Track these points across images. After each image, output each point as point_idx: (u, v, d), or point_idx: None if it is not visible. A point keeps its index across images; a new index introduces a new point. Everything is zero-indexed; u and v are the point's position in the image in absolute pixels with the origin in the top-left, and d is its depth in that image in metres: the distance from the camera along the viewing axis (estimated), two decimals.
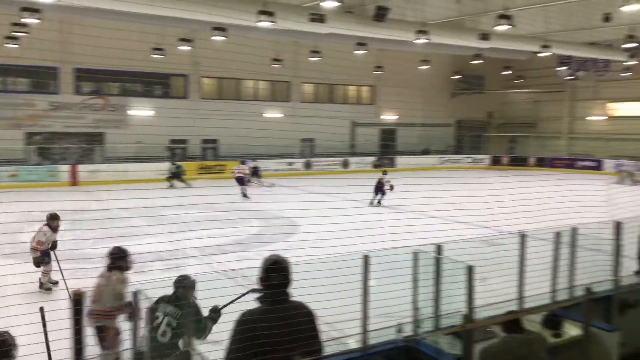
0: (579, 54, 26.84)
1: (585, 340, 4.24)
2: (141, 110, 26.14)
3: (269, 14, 14.79)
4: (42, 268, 8.51)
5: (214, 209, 13.20)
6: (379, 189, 16.93)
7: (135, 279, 5.21)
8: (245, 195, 18.44)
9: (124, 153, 23.52)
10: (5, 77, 24.19)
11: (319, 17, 16.15)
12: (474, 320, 3.58)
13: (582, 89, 32.96)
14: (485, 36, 19.93)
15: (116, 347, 5.05)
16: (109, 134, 25.65)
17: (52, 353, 3.53)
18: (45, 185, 21.38)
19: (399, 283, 4.97)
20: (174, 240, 8.12)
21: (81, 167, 23.51)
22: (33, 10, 15.65)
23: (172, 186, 21.94)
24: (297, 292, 3.93)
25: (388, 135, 33.93)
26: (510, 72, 31.84)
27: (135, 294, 2.97)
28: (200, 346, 4.09)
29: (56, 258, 8.28)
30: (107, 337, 5.06)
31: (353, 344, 4.25)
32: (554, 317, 4.99)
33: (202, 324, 4.54)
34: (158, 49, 23.33)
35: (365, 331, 4.21)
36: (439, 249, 4.67)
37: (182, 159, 25.10)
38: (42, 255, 8.41)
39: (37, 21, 16.23)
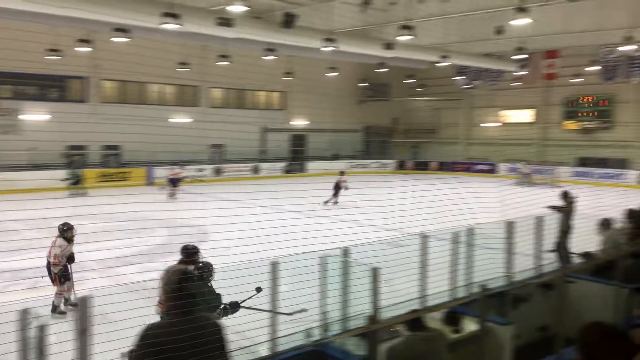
0: (475, 64, 28.62)
1: (481, 335, 4.49)
2: (35, 115, 24.39)
3: (174, 16, 14.39)
4: (57, 288, 7.58)
5: (115, 218, 12.59)
6: (337, 188, 18.31)
7: (26, 296, 4.85)
8: (171, 195, 20.13)
9: (15, 161, 21.85)
10: None
11: (226, 21, 15.96)
12: (378, 320, 3.68)
13: (478, 97, 35.18)
14: (389, 45, 20.69)
15: None
16: None
17: None
18: None
19: (307, 288, 5.01)
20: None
21: None
22: None
23: (72, 195, 20.72)
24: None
25: (298, 141, 34.20)
26: (413, 80, 33.37)
27: (23, 312, 2.74)
28: None
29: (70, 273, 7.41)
30: None
31: (263, 351, 4.22)
32: (453, 314, 5.25)
33: (214, 308, 4.77)
34: (54, 50, 21.91)
35: (274, 338, 4.20)
36: (345, 252, 4.76)
37: (81, 167, 23.70)
38: (64, 270, 7.59)
39: None
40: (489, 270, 5.97)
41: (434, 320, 5.11)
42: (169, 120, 27.75)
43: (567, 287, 5.61)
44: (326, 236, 8.07)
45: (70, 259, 7.72)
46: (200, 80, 29.39)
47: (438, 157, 35.61)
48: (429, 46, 23.64)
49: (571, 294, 6.05)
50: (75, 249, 7.76)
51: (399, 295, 4.85)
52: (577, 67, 27.65)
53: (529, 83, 30.46)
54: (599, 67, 27.01)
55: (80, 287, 7.53)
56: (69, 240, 7.79)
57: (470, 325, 5.14)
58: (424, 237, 5.57)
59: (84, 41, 21.40)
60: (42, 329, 2.69)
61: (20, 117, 24.28)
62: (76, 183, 21.43)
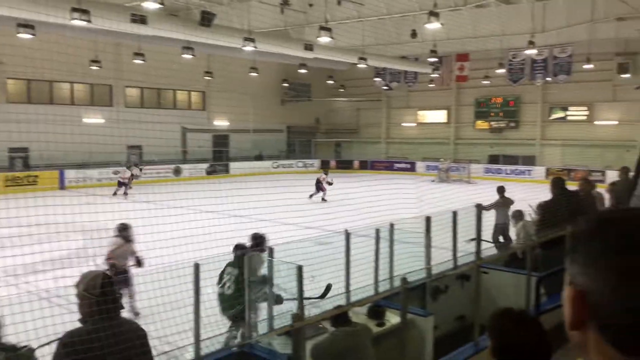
0: (392, 66, 29.49)
1: (403, 327, 4.62)
2: None
3: (83, 11, 13.68)
4: (126, 291, 6.95)
5: (23, 224, 11.75)
6: (319, 186, 19.50)
7: None
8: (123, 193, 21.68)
9: None
10: None
11: (140, 18, 15.40)
12: (303, 318, 3.69)
13: (396, 98, 36.29)
14: (309, 46, 20.85)
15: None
16: None
17: None
18: None
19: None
20: None
21: None
22: None
23: None
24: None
25: (221, 141, 33.64)
26: (333, 81, 33.84)
27: None
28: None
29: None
30: None
31: (186, 355, 4.10)
32: (377, 308, 5.37)
33: (263, 292, 5.06)
34: None
35: (198, 341, 4.10)
36: (270, 251, 4.74)
37: None
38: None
39: None
40: (410, 264, 6.16)
41: (358, 315, 5.19)
42: (83, 120, 26.36)
43: (482, 277, 5.89)
44: (248, 236, 7.98)
45: (139, 262, 7.36)
46: (114, 79, 28.16)
47: (360, 156, 36.34)
48: (348, 48, 24.06)
49: (486, 284, 6.37)
50: None
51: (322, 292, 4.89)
52: (486, 69, 29.21)
53: (443, 85, 31.81)
54: (505, 70, 28.68)
55: None
56: (127, 239, 7.61)
57: (393, 318, 5.28)
58: (347, 234, 5.66)
59: None
60: None
61: None
62: None
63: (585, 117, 29.42)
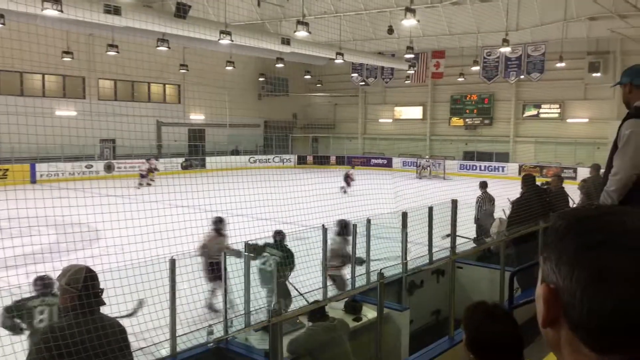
0: (369, 62, 29.58)
1: (380, 321, 4.65)
2: None
3: (55, 1, 13.36)
4: (211, 285, 6.80)
5: None
6: (347, 180, 20.99)
7: None
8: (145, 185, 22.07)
9: None
10: None
11: (114, 8, 15.12)
12: (280, 313, 3.68)
13: (373, 94, 36.43)
14: (286, 41, 20.76)
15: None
16: None
17: None
18: None
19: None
20: None
21: None
22: None
23: None
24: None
25: (197, 135, 33.29)
26: (311, 76, 33.77)
27: None
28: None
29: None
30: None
31: (162, 351, 4.06)
32: (354, 303, 5.40)
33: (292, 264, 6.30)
34: None
35: (174, 337, 4.06)
36: (247, 247, 4.72)
37: None
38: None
39: None
40: (386, 258, 6.21)
41: (335, 310, 5.21)
42: (56, 113, 25.80)
43: (457, 272, 5.97)
44: (226, 230, 7.94)
45: (238, 253, 7.21)
46: (87, 70, 27.63)
47: (337, 151, 36.41)
48: (325, 43, 24.05)
49: (461, 279, 6.45)
50: None
51: (303, 287, 4.89)
52: (461, 67, 29.53)
53: (419, 81, 32.04)
54: (480, 68, 29.03)
55: None
56: (221, 233, 7.79)
57: (369, 313, 5.31)
58: (325, 229, 5.67)
59: None
60: None
61: None
62: None
63: (557, 115, 30.00)
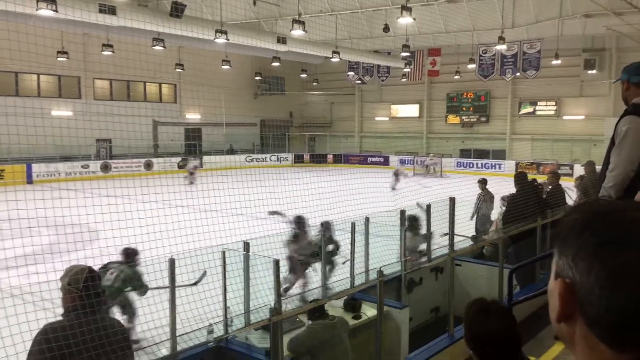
0: (365, 60, 29.58)
1: (379, 319, 4.67)
2: None
3: (50, 1, 13.32)
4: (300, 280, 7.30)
5: None
6: (397, 177, 21.58)
7: None
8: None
9: None
10: None
11: (109, 8, 15.08)
12: (281, 312, 3.69)
13: (369, 92, 36.44)
14: (282, 39, 20.75)
15: None
16: None
17: None
18: None
19: (209, 283, 4.90)
20: None
21: None
22: None
23: None
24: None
25: (193, 135, 33.24)
26: (307, 75, 33.75)
27: None
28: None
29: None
30: None
31: (162, 350, 4.06)
32: (353, 301, 5.41)
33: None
34: None
35: (174, 336, 4.06)
36: (246, 246, 4.72)
37: None
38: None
39: None
40: (385, 256, 6.22)
41: (335, 308, 5.22)
42: (52, 113, 25.72)
43: (456, 269, 5.99)
44: (224, 230, 7.95)
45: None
46: (82, 70, 27.54)
47: (334, 150, 36.41)
48: (321, 41, 24.06)
49: (459, 276, 6.47)
50: None
51: (302, 285, 4.90)
52: (457, 64, 29.55)
53: (415, 79, 32.06)
54: (476, 65, 29.07)
55: None
56: (304, 231, 8.04)
57: (369, 311, 5.32)
58: (323, 228, 5.67)
59: None
60: None
61: None
62: None
63: (553, 112, 30.06)
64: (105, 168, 27.02)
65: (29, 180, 23.75)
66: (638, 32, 22.21)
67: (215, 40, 18.26)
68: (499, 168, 29.48)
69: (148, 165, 28.82)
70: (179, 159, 30.54)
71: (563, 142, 28.88)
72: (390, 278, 5.44)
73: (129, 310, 6.66)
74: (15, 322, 3.17)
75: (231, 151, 33.53)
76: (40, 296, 3.72)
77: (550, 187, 9.11)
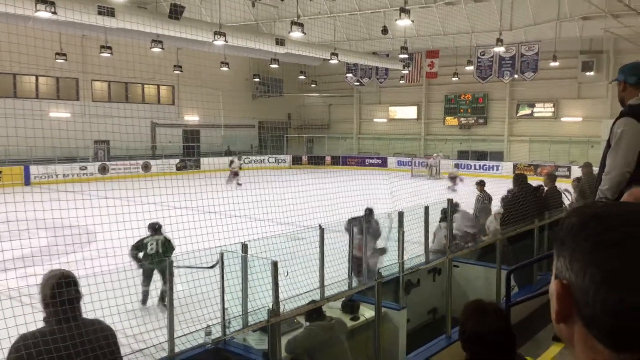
0: (363, 62, 29.61)
1: (377, 321, 4.68)
2: None
3: (49, 3, 13.32)
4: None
5: None
6: (454, 180, 22.19)
7: None
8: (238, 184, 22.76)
9: None
10: None
11: (107, 10, 15.08)
12: (279, 314, 3.69)
13: (367, 94, 36.47)
14: (280, 41, 20.77)
15: None
16: None
17: None
18: None
19: (207, 285, 4.90)
20: None
21: None
22: None
23: None
24: (98, 305, 3.62)
25: (191, 136, 33.25)
26: (305, 77, 33.79)
27: None
28: None
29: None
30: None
31: (161, 352, 4.07)
32: (351, 302, 5.41)
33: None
34: None
35: (172, 338, 4.06)
36: (244, 247, 4.72)
37: None
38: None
39: None
40: (384, 257, 6.23)
41: (332, 310, 5.23)
42: (50, 114, 25.69)
43: (453, 271, 6.00)
44: (222, 231, 7.95)
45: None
46: (80, 72, 27.52)
47: (332, 151, 36.42)
48: (319, 43, 24.08)
49: (457, 278, 6.48)
50: None
51: (299, 287, 4.91)
52: (455, 66, 29.60)
53: (413, 81, 32.10)
54: (474, 67, 29.11)
55: None
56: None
57: (367, 312, 5.33)
58: (322, 229, 5.68)
59: None
60: None
61: None
62: None
63: (551, 114, 30.13)
64: (103, 170, 27.00)
65: (27, 182, 23.73)
66: (635, 34, 22.28)
67: (214, 42, 18.28)
68: (497, 170, 29.52)
69: (146, 167, 28.80)
70: (176, 160, 30.51)
71: (561, 143, 28.93)
72: (388, 279, 5.44)
73: (165, 275, 7.30)
74: (13, 324, 3.17)
75: (230, 153, 33.53)
76: (38, 298, 3.72)
77: (546, 189, 9.12)
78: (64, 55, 24.42)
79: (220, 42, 18.13)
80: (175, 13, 16.71)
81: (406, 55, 24.43)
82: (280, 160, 35.51)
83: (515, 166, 28.51)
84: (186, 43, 23.45)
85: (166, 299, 7.06)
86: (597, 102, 27.67)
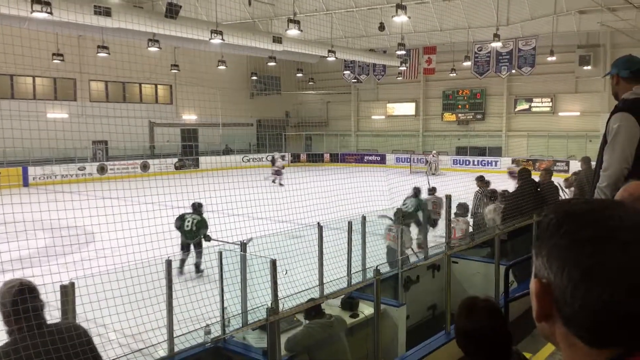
0: (360, 59, 29.58)
1: (377, 318, 4.68)
2: None
3: (45, 3, 13.28)
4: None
5: None
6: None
7: None
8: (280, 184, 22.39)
9: None
10: None
11: (104, 10, 15.05)
12: (278, 312, 3.70)
13: (365, 91, 36.43)
14: (277, 39, 20.74)
15: None
16: None
17: None
18: None
19: (206, 284, 4.91)
20: None
21: None
22: None
23: None
24: (96, 305, 3.62)
25: (190, 135, 33.21)
26: (303, 74, 33.76)
27: None
28: None
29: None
30: None
31: (160, 352, 4.07)
32: (350, 300, 5.42)
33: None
34: None
35: (171, 338, 4.07)
36: (243, 246, 4.72)
37: None
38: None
39: None
40: (382, 255, 6.23)
41: (332, 307, 5.23)
42: (48, 115, 25.65)
43: (453, 267, 6.01)
44: (221, 230, 7.96)
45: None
46: (77, 72, 27.47)
47: (331, 149, 36.40)
48: (317, 41, 24.04)
49: (456, 274, 6.49)
50: None
51: (298, 285, 4.91)
52: (453, 62, 29.56)
53: (411, 77, 32.06)
54: (471, 63, 29.08)
55: None
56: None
57: (366, 310, 5.33)
58: (320, 227, 5.68)
59: None
60: None
61: None
62: None
63: (549, 109, 30.12)
64: (102, 170, 26.97)
65: (25, 183, 23.70)
66: (632, 28, 22.27)
67: (211, 40, 18.23)
68: (496, 165, 29.52)
69: (144, 167, 28.78)
70: (175, 160, 30.48)
71: (558, 138, 28.93)
72: (387, 276, 5.45)
73: (198, 248, 9.52)
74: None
75: (229, 151, 33.51)
76: None
77: (544, 183, 9.13)
78: (61, 55, 24.37)
79: (217, 40, 18.09)
80: (172, 12, 16.67)
81: (403, 52, 24.40)
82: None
83: (513, 161, 28.51)
84: (183, 42, 23.41)
85: (200, 267, 9.09)
86: (595, 96, 27.67)
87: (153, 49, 22.66)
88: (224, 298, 4.56)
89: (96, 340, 2.81)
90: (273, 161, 26.45)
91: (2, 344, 2.56)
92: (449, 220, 6.29)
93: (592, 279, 0.67)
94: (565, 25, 23.61)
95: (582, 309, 0.68)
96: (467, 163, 30.71)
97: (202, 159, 31.35)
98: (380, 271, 4.74)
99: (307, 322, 4.66)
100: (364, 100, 37.31)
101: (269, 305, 3.81)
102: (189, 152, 32.14)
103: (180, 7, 16.97)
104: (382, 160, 33.86)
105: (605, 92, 26.19)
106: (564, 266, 0.70)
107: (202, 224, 9.72)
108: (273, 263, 4.06)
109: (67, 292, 3.25)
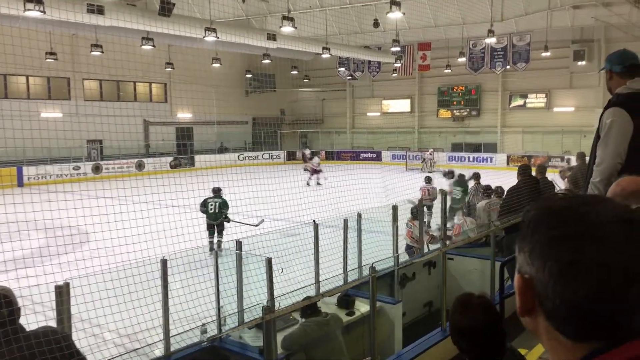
0: (355, 56, 29.55)
1: (372, 315, 4.68)
2: None
3: (38, 2, 13.21)
4: None
5: None
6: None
7: None
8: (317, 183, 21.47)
9: None
10: None
11: (97, 8, 14.97)
12: (274, 310, 3.69)
13: (360, 88, 36.41)
14: (271, 36, 20.69)
15: None
16: None
17: None
18: None
19: (201, 283, 4.90)
20: None
21: None
22: None
23: None
24: (91, 305, 3.61)
25: (185, 134, 33.12)
26: (297, 72, 33.72)
27: None
28: None
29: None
30: None
31: (156, 352, 4.06)
32: (346, 297, 5.42)
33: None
34: None
35: (167, 337, 4.06)
36: (238, 245, 4.72)
37: None
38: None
39: None
40: (378, 252, 6.23)
41: (328, 305, 5.23)
42: (42, 114, 25.52)
43: (448, 263, 6.01)
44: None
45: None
46: (71, 71, 27.34)
47: (326, 146, 36.37)
48: (311, 38, 24.01)
49: (452, 270, 6.50)
50: None
51: (295, 283, 4.90)
52: (448, 58, 29.58)
53: (406, 74, 32.06)
54: (466, 59, 29.10)
55: None
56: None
57: (362, 307, 5.34)
58: (316, 225, 5.68)
59: None
60: None
61: None
62: None
63: (543, 104, 30.17)
64: (97, 169, 26.88)
65: (20, 184, 23.61)
66: (626, 23, 22.33)
67: (205, 38, 18.18)
68: (491, 161, 29.58)
69: (139, 166, 28.70)
70: (170, 158, 30.40)
71: (553, 134, 28.99)
72: (383, 274, 5.44)
73: (220, 228, 10.97)
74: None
75: (224, 150, 33.45)
76: (31, 300, 3.70)
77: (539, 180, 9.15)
78: (54, 54, 24.24)
79: (211, 38, 18.04)
80: (165, 10, 16.61)
81: (398, 48, 24.41)
82: (274, 157, 35.44)
83: (509, 157, 28.55)
84: (177, 40, 23.32)
85: (221, 246, 9.93)
86: (590, 91, 27.73)
87: (147, 47, 22.56)
88: (220, 297, 4.56)
89: (91, 341, 2.80)
90: (304, 158, 26.17)
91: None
92: (444, 216, 6.30)
93: (570, 274, 0.69)
94: (559, 20, 23.66)
95: (562, 304, 0.70)
96: (463, 159, 30.75)
97: (197, 157, 31.28)
98: (376, 269, 4.74)
99: (303, 320, 4.66)
100: (359, 97, 37.29)
101: (265, 303, 3.80)
102: (184, 150, 32.06)
103: (174, 4, 16.91)
104: (378, 158, 33.86)
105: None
106: (545, 262, 0.71)
107: (223, 205, 11.04)
108: (269, 261, 4.05)
109: (62, 293, 3.23)
